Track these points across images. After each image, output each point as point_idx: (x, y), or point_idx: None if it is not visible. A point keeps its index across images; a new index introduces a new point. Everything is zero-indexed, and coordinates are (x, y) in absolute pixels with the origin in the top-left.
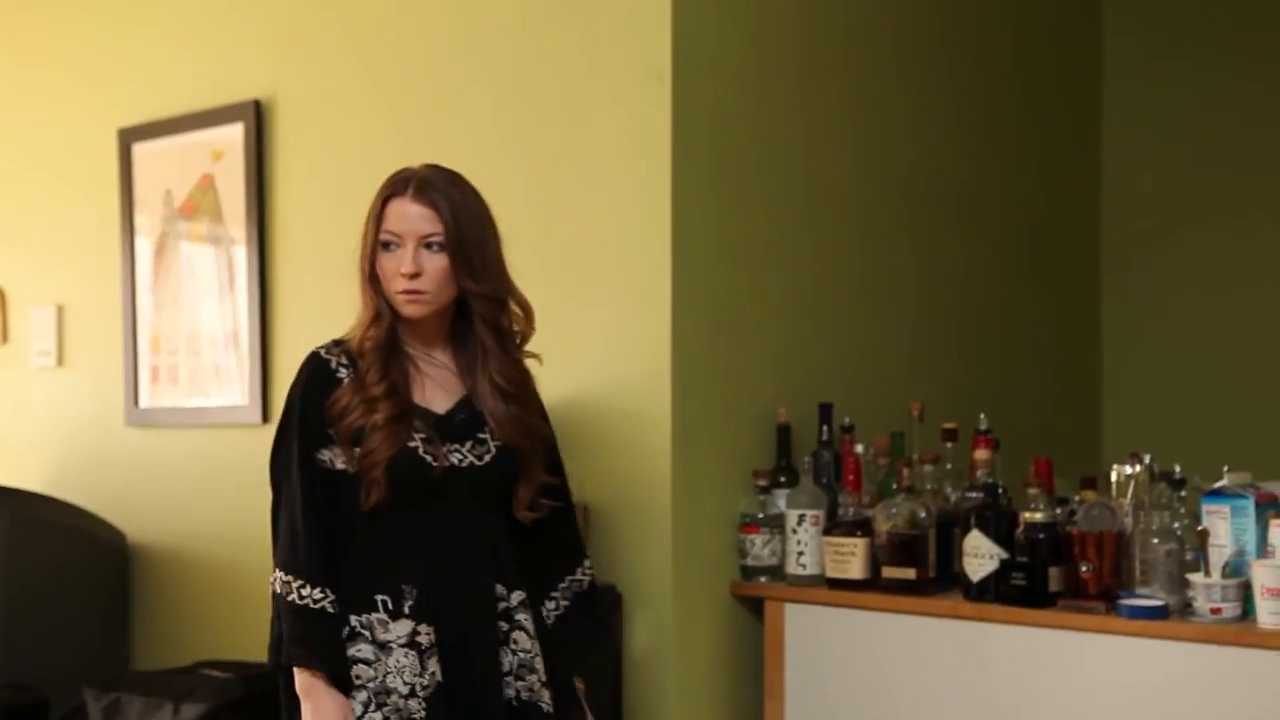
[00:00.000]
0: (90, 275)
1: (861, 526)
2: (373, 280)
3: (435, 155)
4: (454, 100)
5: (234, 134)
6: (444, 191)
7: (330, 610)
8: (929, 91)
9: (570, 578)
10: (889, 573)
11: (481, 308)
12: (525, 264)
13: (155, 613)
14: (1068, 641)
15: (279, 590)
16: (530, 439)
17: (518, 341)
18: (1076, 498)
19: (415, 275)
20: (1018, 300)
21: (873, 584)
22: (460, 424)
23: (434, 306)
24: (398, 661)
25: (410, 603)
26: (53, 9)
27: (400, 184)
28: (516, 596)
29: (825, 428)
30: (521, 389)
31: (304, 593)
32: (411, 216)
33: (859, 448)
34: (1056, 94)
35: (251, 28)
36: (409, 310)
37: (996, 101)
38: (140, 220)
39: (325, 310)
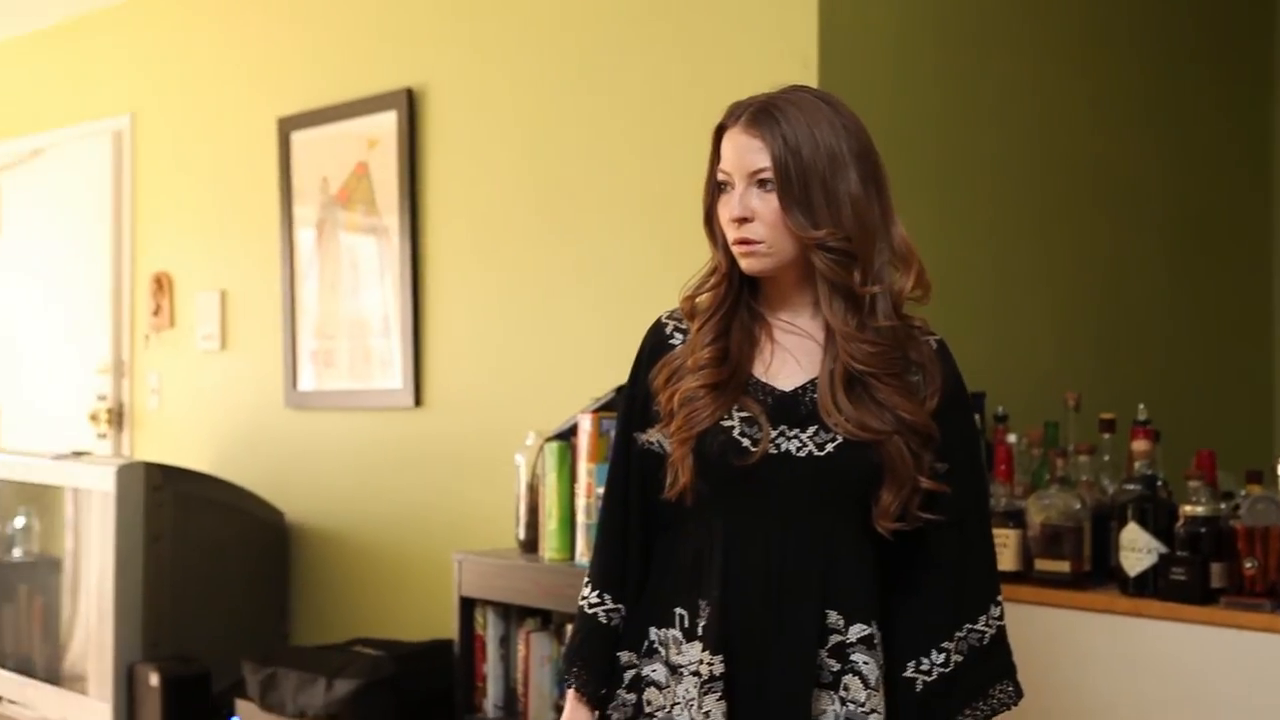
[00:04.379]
0: (252, 261)
1: (1014, 517)
2: (712, 229)
3: (582, 141)
4: (601, 86)
5: (387, 122)
6: (783, 116)
7: (602, 619)
8: (1093, 79)
9: (970, 626)
10: (1042, 565)
11: (822, 263)
12: (679, 252)
13: (312, 590)
14: (1230, 640)
15: None
16: (892, 430)
17: (894, 304)
18: (1242, 492)
19: (744, 220)
20: (1182, 291)
21: (1025, 576)
22: (808, 405)
23: (775, 259)
24: (686, 691)
25: (703, 623)
26: (217, 2)
27: (734, 112)
28: (858, 631)
29: (977, 417)
30: (883, 367)
31: (584, 593)
32: (740, 150)
33: (1011, 437)
34: (1226, 84)
35: (404, 17)
36: (744, 264)
37: (1164, 90)
38: (299, 207)
39: (476, 296)
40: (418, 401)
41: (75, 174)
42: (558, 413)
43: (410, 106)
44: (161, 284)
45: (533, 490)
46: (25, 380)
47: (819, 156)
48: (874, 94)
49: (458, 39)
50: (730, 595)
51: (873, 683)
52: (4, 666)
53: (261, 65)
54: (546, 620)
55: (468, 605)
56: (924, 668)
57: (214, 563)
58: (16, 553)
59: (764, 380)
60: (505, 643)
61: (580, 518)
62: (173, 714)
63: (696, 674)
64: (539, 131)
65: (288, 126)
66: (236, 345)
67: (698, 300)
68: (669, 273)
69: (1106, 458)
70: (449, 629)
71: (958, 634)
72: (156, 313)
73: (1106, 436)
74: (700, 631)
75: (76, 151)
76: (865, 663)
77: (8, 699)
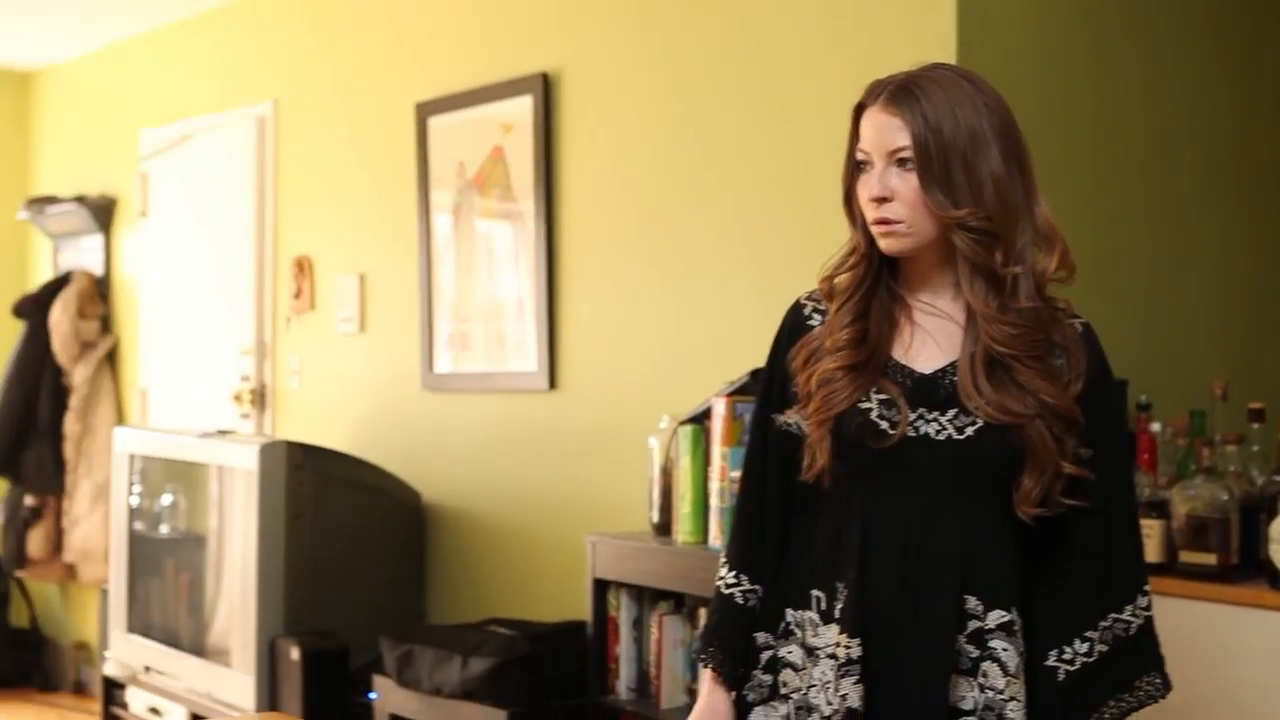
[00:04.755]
0: (390, 245)
1: (1157, 508)
2: (851, 209)
3: (717, 123)
4: (737, 67)
5: (523, 106)
6: (923, 94)
7: (739, 600)
8: (1242, 60)
9: (1115, 615)
10: (1186, 557)
11: (963, 243)
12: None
13: (448, 570)
14: None
15: None
16: (1034, 413)
17: (1037, 285)
18: None
19: (883, 200)
20: None
21: (1169, 569)
22: (948, 387)
23: (915, 240)
24: (823, 674)
25: (840, 605)
26: None
27: (873, 91)
28: (997, 617)
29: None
30: (1025, 350)
31: (721, 574)
32: (880, 128)
33: (1155, 426)
34: None
35: (540, 2)
36: (883, 245)
37: None
38: (436, 192)
39: (610, 279)
40: (552, 384)
41: (220, 160)
42: (692, 396)
43: (546, 91)
44: (302, 267)
45: (666, 474)
46: (173, 361)
47: (960, 134)
48: (1013, 73)
49: (593, 23)
50: (867, 578)
51: (1012, 670)
52: (153, 638)
53: (399, 51)
54: (679, 603)
55: (601, 587)
56: (1066, 657)
57: (353, 541)
58: (164, 529)
59: (903, 362)
60: (638, 625)
61: (713, 501)
62: (313, 688)
63: (833, 657)
64: (675, 114)
65: (425, 112)
66: (375, 328)
67: (836, 281)
68: (805, 255)
69: (1255, 448)
70: (582, 610)
71: (1102, 623)
72: (298, 296)
73: (1255, 426)
74: (837, 614)
75: (222, 138)
76: (1004, 650)
77: (156, 670)
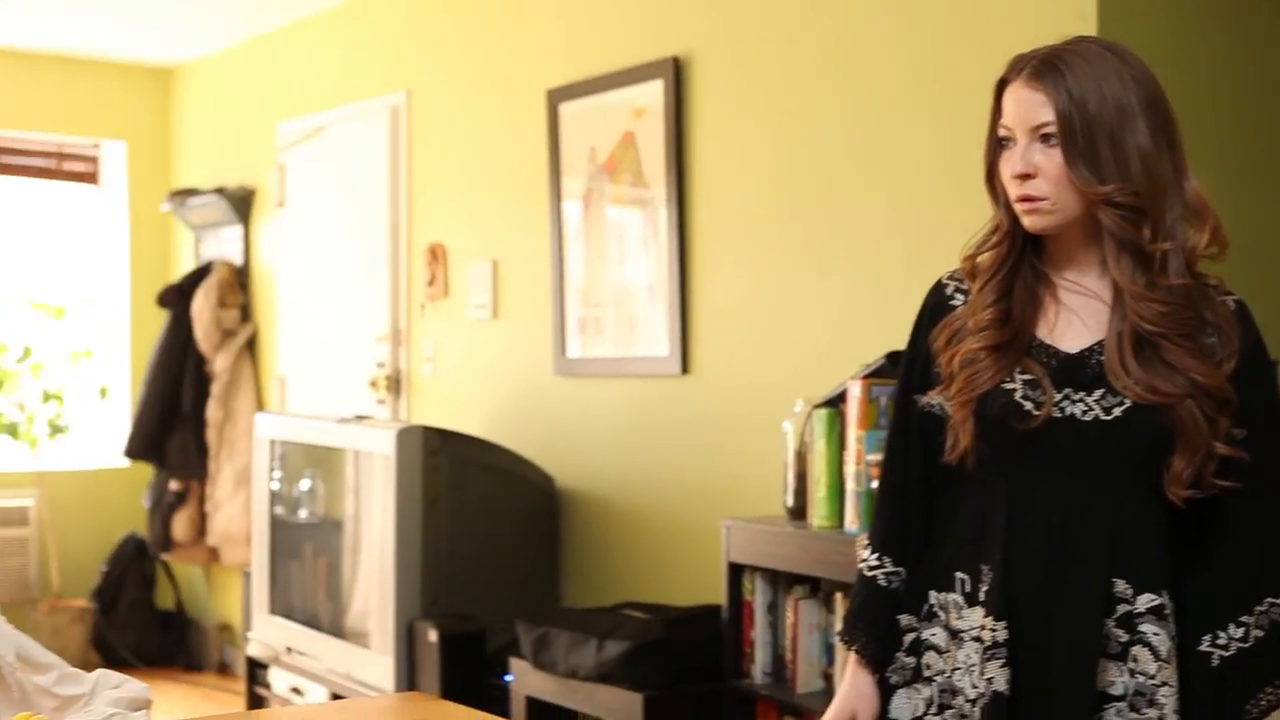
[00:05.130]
0: (522, 231)
1: None
2: (994, 186)
3: (851, 103)
4: (870, 47)
5: (654, 91)
6: (1067, 68)
7: (882, 581)
8: None
9: (1271, 600)
10: None
11: (1109, 219)
12: (955, 213)
13: (582, 554)
14: None
15: None
16: (1184, 393)
17: (1186, 261)
18: None
19: (1026, 177)
20: None
21: None
22: (1094, 367)
23: (1059, 217)
24: (967, 657)
25: (985, 588)
26: None
27: (1016, 65)
28: (1146, 601)
29: None
30: (1174, 328)
31: (863, 555)
32: (1023, 104)
33: None
34: None
35: None
36: (1027, 222)
37: None
38: (567, 177)
39: (743, 262)
40: (685, 369)
41: (355, 150)
42: (826, 379)
43: (676, 75)
44: (436, 255)
45: (801, 458)
46: (310, 349)
47: (1105, 108)
48: (1156, 45)
49: (725, 5)
50: (1013, 560)
51: (1163, 655)
52: (294, 620)
53: (530, 38)
54: (815, 588)
55: (736, 571)
56: (1220, 642)
57: (488, 525)
58: (302, 514)
59: (1048, 342)
60: (773, 609)
61: (849, 485)
62: (450, 669)
63: (978, 639)
64: (808, 95)
65: (556, 98)
66: (507, 313)
67: (979, 260)
68: (943, 235)
69: None
70: (716, 594)
71: (1258, 608)
72: (431, 283)
73: None
74: (982, 596)
75: (356, 128)
76: (1155, 634)
77: (297, 650)
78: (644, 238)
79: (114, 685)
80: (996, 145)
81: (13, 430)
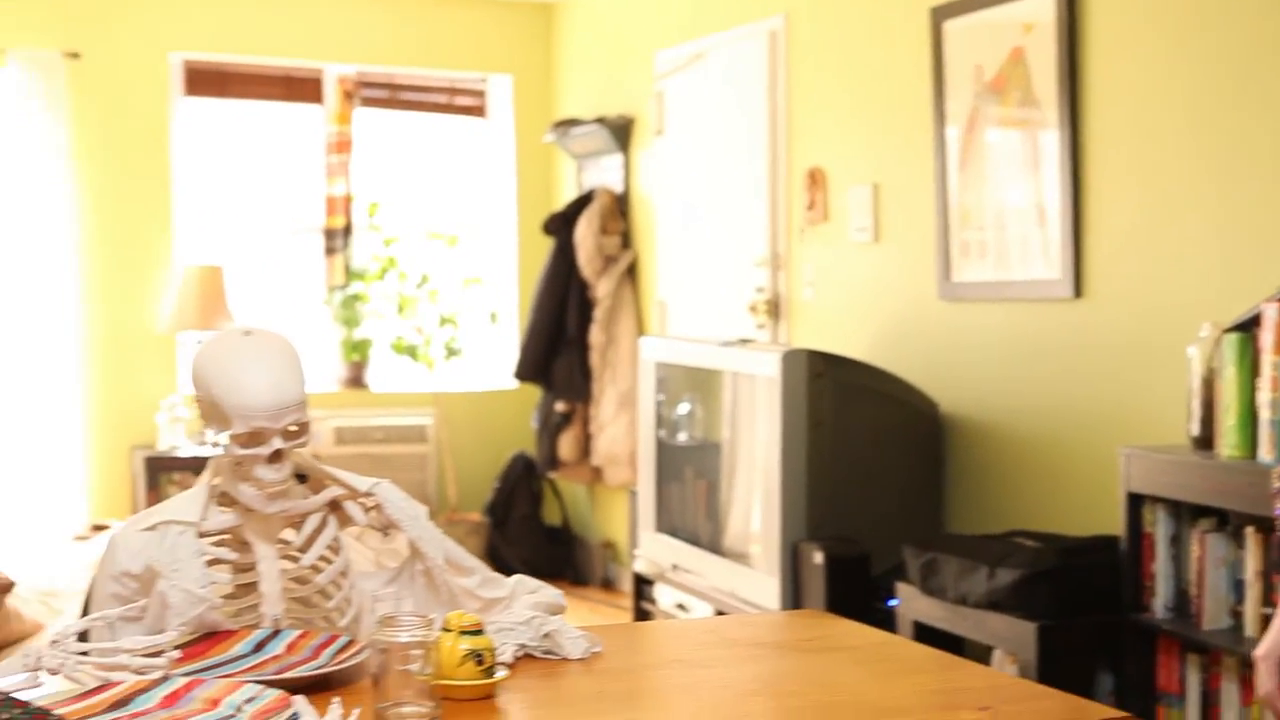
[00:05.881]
0: (904, 153)
1: None
2: None
3: (1256, 16)
4: None
5: (1044, 4)
6: None
7: None
8: None
9: None
10: None
11: None
12: None
13: (966, 481)
14: None
15: None
16: None
17: None
18: None
19: None
20: None
21: None
22: None
23: None
24: None
25: None
26: None
27: None
28: None
29: None
30: None
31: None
32: None
33: None
34: None
35: None
36: None
37: None
38: (951, 98)
39: (1142, 180)
40: (1077, 292)
41: (733, 76)
42: (1236, 302)
43: None
44: (815, 179)
45: (1207, 384)
46: (689, 274)
47: None
48: None
49: None
50: None
51: None
52: (678, 538)
53: None
54: (1222, 520)
55: (1135, 502)
56: None
57: (871, 449)
58: (682, 436)
59: None
60: (1176, 542)
61: (1263, 414)
62: (835, 591)
63: None
64: (1218, 2)
65: (940, 15)
66: (888, 237)
67: None
68: None
69: None
70: (1112, 525)
71: None
72: (811, 207)
73: None
74: None
75: (734, 54)
76: None
77: (683, 568)
78: (1033, 157)
79: (531, 590)
80: None
81: (413, 352)
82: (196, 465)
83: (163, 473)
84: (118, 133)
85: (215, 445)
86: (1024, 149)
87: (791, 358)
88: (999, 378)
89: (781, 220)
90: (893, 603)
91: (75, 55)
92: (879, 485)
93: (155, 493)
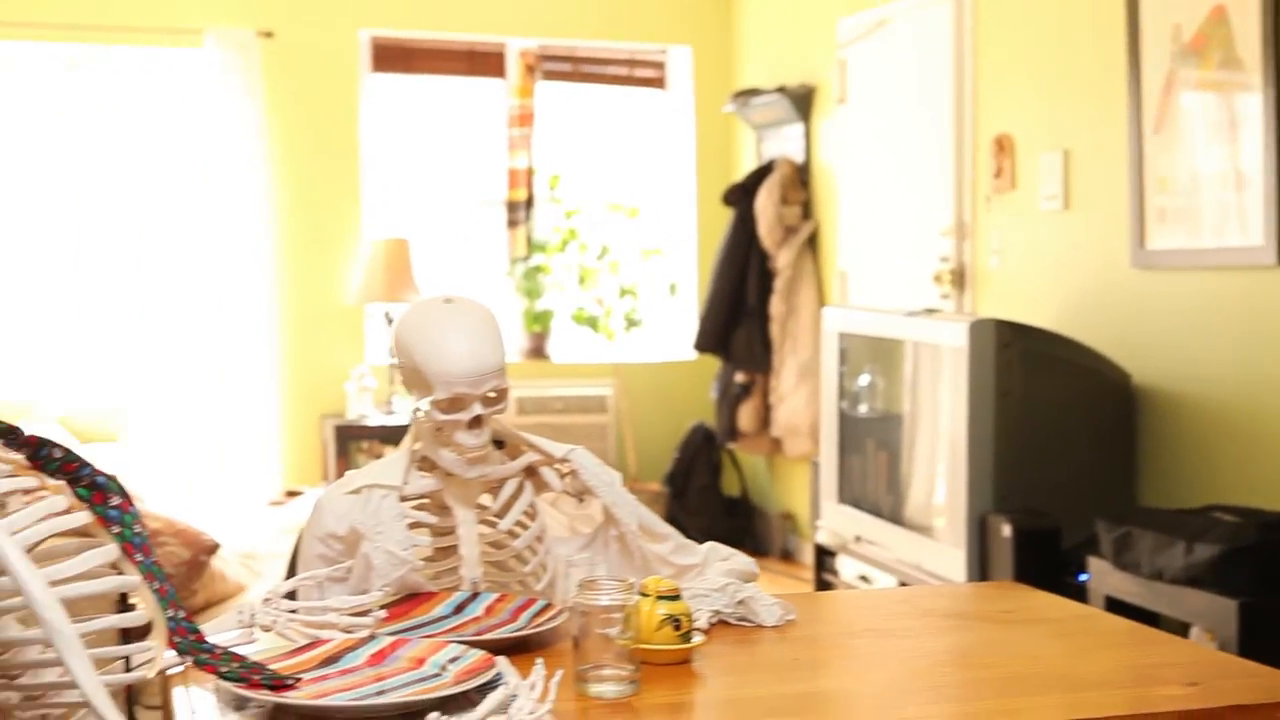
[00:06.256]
0: (1095, 118)
1: None
2: None
3: None
4: None
5: None
6: None
7: None
8: None
9: None
10: None
11: None
12: None
13: (1160, 453)
14: None
15: None
16: None
17: None
18: None
19: None
20: None
21: None
22: None
23: None
24: None
25: None
26: None
27: None
28: None
29: None
30: None
31: None
32: None
33: None
34: None
35: None
36: None
37: None
38: (1146, 59)
39: None
40: None
41: (918, 42)
42: None
43: None
44: (1003, 146)
45: None
46: (871, 244)
47: None
48: None
49: None
50: None
51: None
52: (860, 509)
53: None
54: None
55: None
56: None
57: (1060, 420)
58: (862, 408)
59: None
60: None
61: None
62: (1024, 564)
63: None
64: None
65: None
66: (1079, 204)
67: None
68: None
69: None
70: None
71: None
72: (998, 175)
73: None
74: None
75: (919, 20)
76: None
77: (866, 539)
78: (1230, 121)
79: (723, 558)
80: None
81: (593, 323)
82: (384, 433)
83: (351, 440)
84: (308, 110)
85: (416, 411)
86: (1222, 112)
87: (979, 327)
88: (1195, 347)
89: (967, 188)
90: (1083, 577)
91: (269, 34)
92: (1068, 457)
93: (344, 460)
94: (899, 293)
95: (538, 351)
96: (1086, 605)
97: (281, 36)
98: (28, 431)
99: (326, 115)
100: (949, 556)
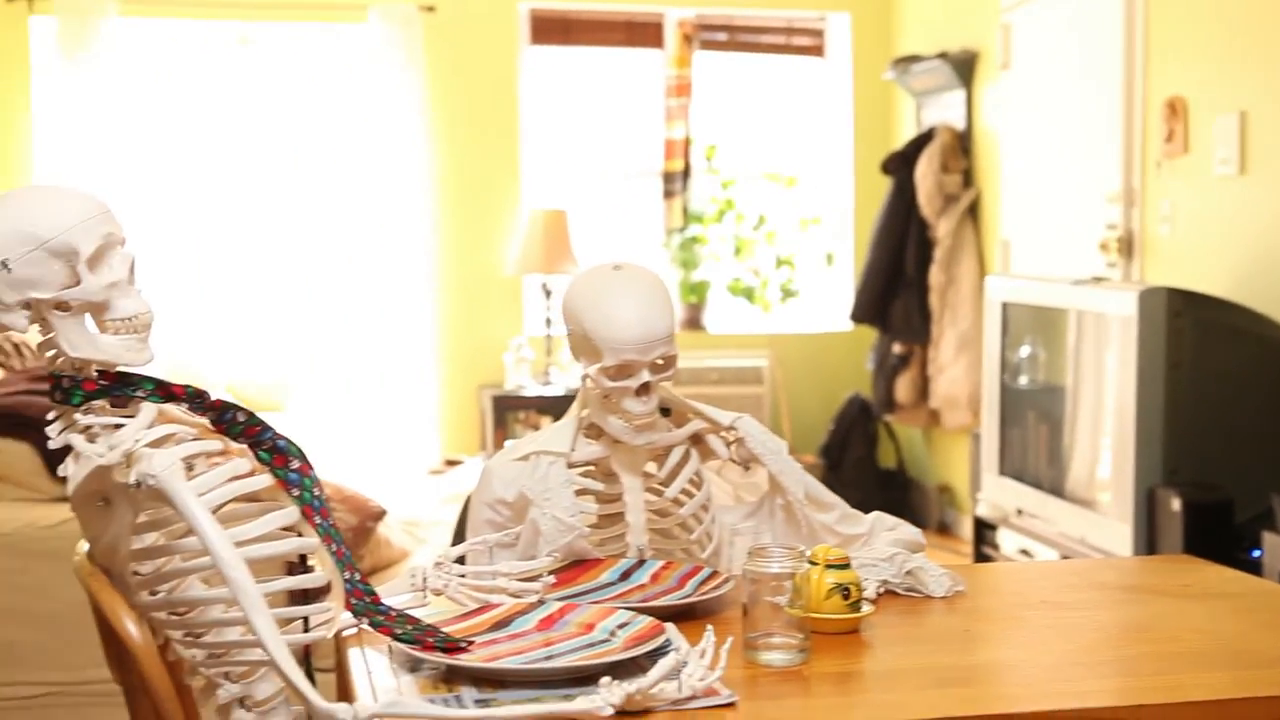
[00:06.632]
0: (1274, 78)
1: None
2: None
3: None
4: None
5: None
6: None
7: None
8: None
9: None
10: None
11: None
12: None
13: None
14: None
15: None
16: None
17: None
18: None
19: None
20: None
21: None
22: None
23: None
24: None
25: None
26: None
27: None
28: None
29: None
30: None
31: None
32: None
33: None
34: None
35: None
36: None
37: None
38: None
39: None
40: None
41: (1085, 3)
42: None
43: None
44: (1175, 109)
45: None
46: (1034, 212)
47: None
48: None
49: None
50: None
51: None
52: (1023, 483)
53: None
54: None
55: None
56: None
57: (1234, 391)
58: (1023, 380)
59: None
60: None
61: None
62: (1193, 539)
63: None
64: None
65: None
66: (1257, 169)
67: None
68: None
69: None
70: None
71: None
72: (1169, 139)
73: None
74: None
75: None
76: None
77: (1027, 513)
78: None
79: (889, 527)
80: None
81: (749, 294)
82: (541, 404)
83: (509, 411)
84: (468, 82)
85: (585, 378)
86: None
87: (1149, 296)
88: None
89: (1136, 154)
90: (1256, 553)
91: (430, 8)
92: (1242, 430)
93: (502, 430)
94: (1063, 262)
95: (693, 323)
96: (1267, 581)
97: (443, 10)
98: (213, 396)
99: (486, 88)
100: (1114, 531)
